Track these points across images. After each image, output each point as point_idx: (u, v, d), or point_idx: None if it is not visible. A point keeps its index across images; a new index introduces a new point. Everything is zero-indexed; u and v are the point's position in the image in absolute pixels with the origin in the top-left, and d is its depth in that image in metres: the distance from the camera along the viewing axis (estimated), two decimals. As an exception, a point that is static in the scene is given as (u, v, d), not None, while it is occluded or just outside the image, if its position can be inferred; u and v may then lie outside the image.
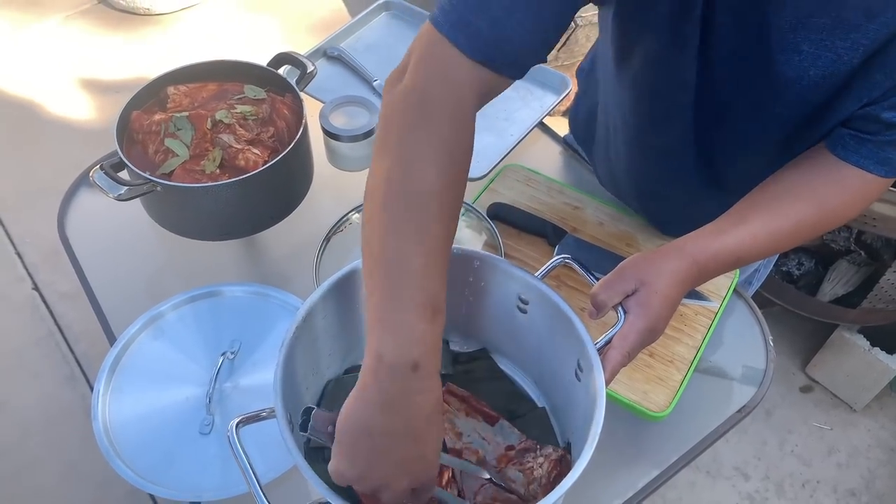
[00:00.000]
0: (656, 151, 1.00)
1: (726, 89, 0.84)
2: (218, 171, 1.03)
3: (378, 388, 0.62)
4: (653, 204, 1.13)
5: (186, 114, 1.06)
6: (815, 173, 0.83)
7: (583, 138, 1.25)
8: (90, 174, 0.97)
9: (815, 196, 0.82)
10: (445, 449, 0.79)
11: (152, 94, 1.10)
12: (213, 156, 1.03)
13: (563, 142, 1.33)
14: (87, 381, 1.97)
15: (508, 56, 0.70)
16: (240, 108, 1.08)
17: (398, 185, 0.66)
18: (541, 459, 0.77)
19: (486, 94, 0.72)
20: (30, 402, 1.93)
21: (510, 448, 0.80)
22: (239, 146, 1.04)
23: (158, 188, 0.98)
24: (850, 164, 0.80)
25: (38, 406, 1.92)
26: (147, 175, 0.98)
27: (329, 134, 1.12)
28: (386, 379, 0.62)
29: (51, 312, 2.10)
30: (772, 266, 1.31)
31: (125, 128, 1.06)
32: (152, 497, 0.89)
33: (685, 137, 0.93)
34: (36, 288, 2.15)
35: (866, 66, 0.74)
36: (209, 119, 1.05)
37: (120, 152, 1.00)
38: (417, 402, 0.63)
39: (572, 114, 1.27)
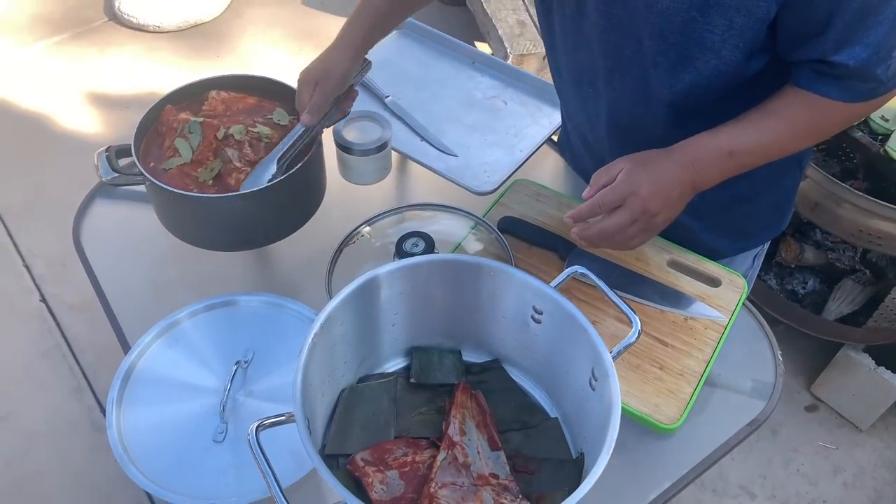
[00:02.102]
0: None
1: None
2: (210, 182, 1.04)
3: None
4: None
5: (201, 120, 1.07)
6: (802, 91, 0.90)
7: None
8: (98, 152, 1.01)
9: (807, 100, 0.89)
10: (440, 436, 0.82)
11: (193, 94, 1.12)
12: (211, 166, 1.04)
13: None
14: (94, 392, 1.97)
15: None
16: (258, 128, 1.08)
17: None
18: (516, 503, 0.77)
19: None
20: (36, 414, 1.93)
21: (494, 476, 0.80)
22: (238, 164, 1.04)
23: (146, 184, 1.00)
24: (818, 94, 0.87)
25: (45, 417, 1.92)
26: (140, 168, 1.00)
27: (342, 147, 1.14)
28: None
29: (58, 324, 2.10)
30: (759, 269, 1.32)
31: (154, 118, 1.08)
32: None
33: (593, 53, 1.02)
34: (43, 300, 2.16)
35: None
36: (221, 130, 1.06)
37: (134, 139, 1.03)
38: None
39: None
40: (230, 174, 1.04)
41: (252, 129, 1.08)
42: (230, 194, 1.00)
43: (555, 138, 1.33)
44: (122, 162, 1.08)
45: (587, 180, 1.22)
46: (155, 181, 0.99)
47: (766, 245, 1.27)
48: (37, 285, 2.19)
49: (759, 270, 1.30)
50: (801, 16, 0.82)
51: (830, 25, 0.81)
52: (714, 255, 1.13)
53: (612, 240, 0.92)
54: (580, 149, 1.22)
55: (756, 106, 0.91)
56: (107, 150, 1.03)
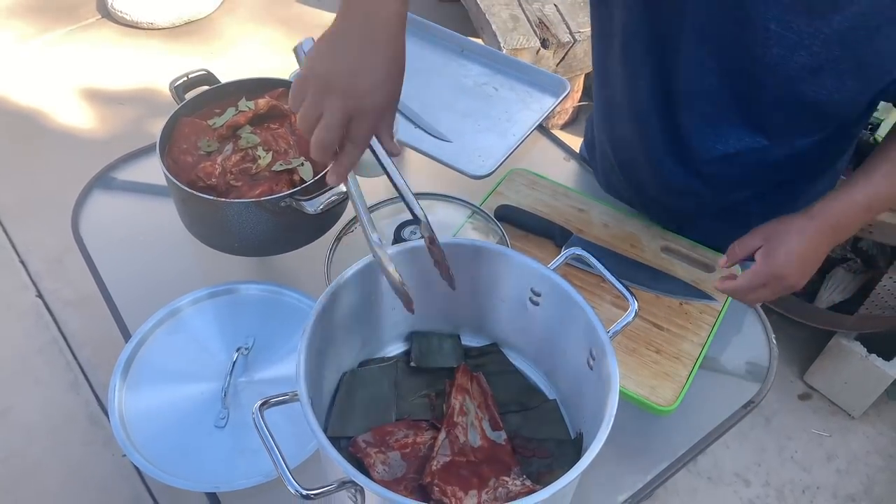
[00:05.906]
0: (626, 121, 1.09)
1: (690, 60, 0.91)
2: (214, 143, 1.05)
3: (340, 12, 0.71)
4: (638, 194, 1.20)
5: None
6: None
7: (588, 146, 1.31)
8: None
9: None
10: (442, 415, 0.82)
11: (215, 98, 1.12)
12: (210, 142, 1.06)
13: (567, 148, 1.36)
14: (91, 387, 1.97)
15: None
16: (265, 156, 1.05)
17: None
18: (517, 482, 0.78)
19: None
20: (33, 409, 1.94)
21: None
22: (231, 161, 1.04)
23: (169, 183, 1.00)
24: None
25: (42, 412, 1.92)
26: (163, 168, 1.00)
27: None
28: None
29: (55, 320, 2.10)
30: None
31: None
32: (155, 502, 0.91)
33: (650, 105, 1.01)
34: (40, 295, 2.16)
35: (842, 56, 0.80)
36: (232, 129, 1.08)
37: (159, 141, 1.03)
38: (374, 7, 0.69)
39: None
40: (208, 164, 1.03)
41: (257, 151, 1.06)
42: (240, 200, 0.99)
43: (554, 133, 1.35)
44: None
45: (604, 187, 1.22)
46: (178, 183, 0.99)
47: None
48: (33, 281, 2.19)
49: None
50: None
51: None
52: None
53: (743, 299, 0.96)
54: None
55: (879, 154, 0.91)
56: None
